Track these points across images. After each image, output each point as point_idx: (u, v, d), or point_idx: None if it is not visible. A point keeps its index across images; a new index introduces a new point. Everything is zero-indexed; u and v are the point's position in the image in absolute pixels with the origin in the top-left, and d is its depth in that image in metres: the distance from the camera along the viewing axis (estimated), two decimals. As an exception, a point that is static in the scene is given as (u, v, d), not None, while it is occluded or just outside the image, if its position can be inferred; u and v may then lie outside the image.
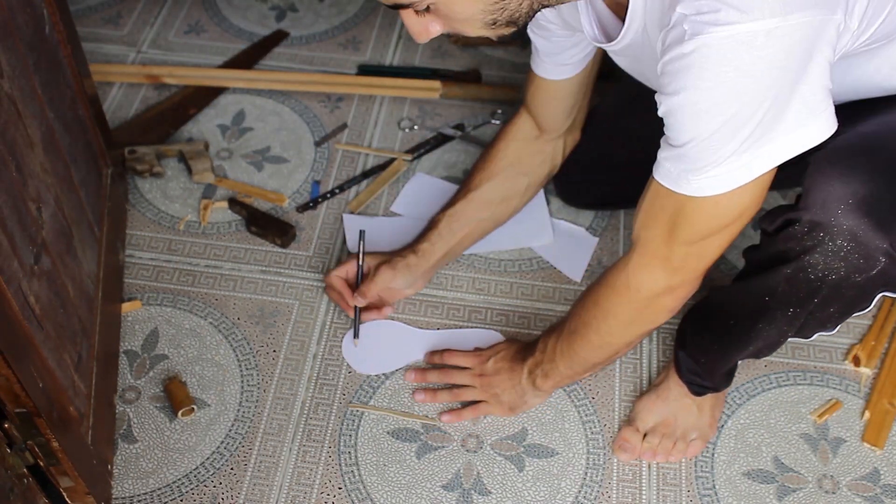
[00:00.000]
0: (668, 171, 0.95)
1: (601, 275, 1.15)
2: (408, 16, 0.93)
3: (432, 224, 1.42)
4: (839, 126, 0.94)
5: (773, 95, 0.86)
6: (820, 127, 0.90)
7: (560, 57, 1.24)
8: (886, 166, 0.98)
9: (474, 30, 0.93)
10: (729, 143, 0.89)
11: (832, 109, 0.90)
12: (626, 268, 1.08)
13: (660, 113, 0.93)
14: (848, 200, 0.97)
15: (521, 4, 0.91)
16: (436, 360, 1.36)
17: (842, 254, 0.99)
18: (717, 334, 1.18)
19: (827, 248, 1.00)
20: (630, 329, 1.14)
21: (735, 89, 0.86)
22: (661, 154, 0.96)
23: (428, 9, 0.91)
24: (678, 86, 0.88)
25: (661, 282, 1.05)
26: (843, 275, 1.01)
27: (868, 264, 0.99)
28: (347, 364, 1.36)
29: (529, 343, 1.32)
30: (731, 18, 0.82)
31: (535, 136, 1.40)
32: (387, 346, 1.38)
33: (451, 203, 1.42)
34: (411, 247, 1.40)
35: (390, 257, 1.39)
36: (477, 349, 1.36)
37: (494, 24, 0.92)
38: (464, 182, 1.44)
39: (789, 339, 1.18)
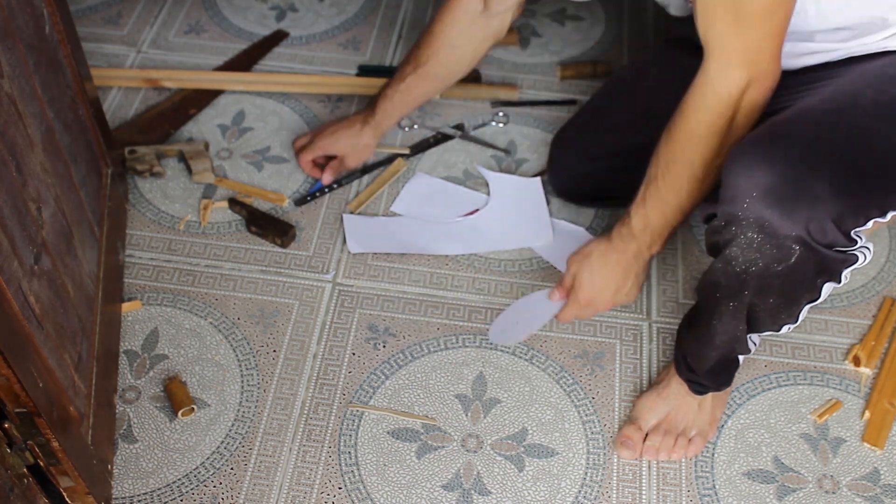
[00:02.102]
0: None
1: (675, 112, 1.13)
2: None
3: (382, 97, 1.51)
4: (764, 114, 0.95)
5: None
6: None
7: None
8: (794, 154, 0.99)
9: None
10: None
11: None
12: (707, 78, 1.08)
13: None
14: (752, 193, 0.98)
15: None
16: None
17: (754, 245, 1.00)
18: (690, 329, 1.21)
19: (741, 241, 1.01)
20: (727, 142, 1.11)
21: None
22: None
23: None
24: None
25: (743, 76, 1.06)
26: (762, 266, 1.02)
27: (783, 253, 1.00)
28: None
29: (599, 239, 1.29)
30: None
31: (480, 10, 1.41)
32: (523, 317, 1.39)
33: (401, 77, 1.49)
34: (362, 116, 1.53)
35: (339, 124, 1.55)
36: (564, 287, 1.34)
37: None
38: (410, 54, 1.49)
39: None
